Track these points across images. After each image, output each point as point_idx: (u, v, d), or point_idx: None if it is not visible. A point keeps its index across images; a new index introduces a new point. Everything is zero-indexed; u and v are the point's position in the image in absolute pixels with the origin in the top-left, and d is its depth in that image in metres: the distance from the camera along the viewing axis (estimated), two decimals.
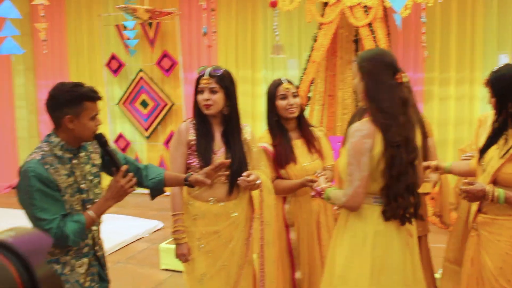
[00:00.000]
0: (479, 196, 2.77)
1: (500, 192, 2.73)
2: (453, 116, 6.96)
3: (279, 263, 3.48)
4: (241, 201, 3.22)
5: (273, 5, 4.74)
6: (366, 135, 2.50)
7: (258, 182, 3.11)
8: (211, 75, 3.12)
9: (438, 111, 7.02)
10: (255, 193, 3.27)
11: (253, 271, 3.34)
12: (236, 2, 8.07)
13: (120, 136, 8.93)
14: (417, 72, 7.08)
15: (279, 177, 3.52)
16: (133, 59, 8.73)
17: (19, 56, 9.18)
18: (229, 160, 2.99)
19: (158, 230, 6.77)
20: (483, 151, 2.94)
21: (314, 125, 3.72)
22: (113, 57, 8.76)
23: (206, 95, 3.11)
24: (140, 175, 2.82)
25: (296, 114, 3.51)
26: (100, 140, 2.61)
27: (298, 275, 3.60)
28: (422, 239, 3.68)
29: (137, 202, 8.26)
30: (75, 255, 2.59)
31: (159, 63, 8.47)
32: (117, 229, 6.41)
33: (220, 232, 3.15)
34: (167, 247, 5.31)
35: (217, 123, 3.21)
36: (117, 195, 2.54)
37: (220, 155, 3.14)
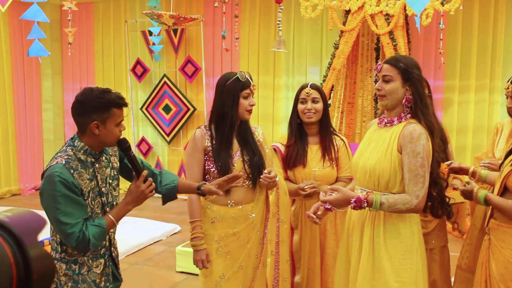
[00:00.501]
0: (470, 196, 2.91)
1: (482, 193, 2.82)
2: (472, 123, 6.95)
3: None
4: (258, 202, 3.24)
5: (278, 1, 4.79)
6: (427, 138, 2.64)
7: (277, 179, 3.17)
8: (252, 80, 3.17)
9: (458, 118, 7.02)
10: (270, 191, 3.32)
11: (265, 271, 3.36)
12: (259, 9, 8.15)
13: (143, 140, 9.04)
14: (437, 79, 7.06)
15: (287, 178, 3.55)
16: (157, 65, 8.86)
17: (47, 60, 9.42)
18: (241, 174, 3.02)
19: (175, 233, 6.83)
20: (506, 157, 2.94)
21: (338, 133, 3.69)
22: (138, 62, 8.89)
23: (252, 100, 3.15)
24: (154, 180, 2.82)
25: (313, 120, 3.49)
26: (124, 145, 2.61)
27: (297, 278, 3.59)
28: (444, 249, 3.57)
29: (156, 205, 8.28)
30: (92, 256, 2.61)
31: (182, 68, 8.57)
32: (136, 232, 6.49)
33: (238, 233, 3.17)
34: (183, 250, 5.36)
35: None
36: (137, 199, 2.57)
37: (236, 158, 3.16)
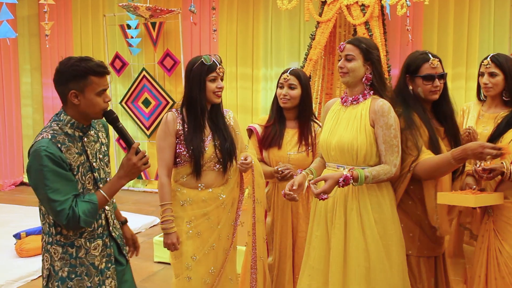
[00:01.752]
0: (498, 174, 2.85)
1: None
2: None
3: None
4: (229, 184, 3.26)
5: None
6: (393, 110, 2.84)
7: (253, 162, 3.23)
8: (220, 63, 3.18)
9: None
10: (246, 173, 3.33)
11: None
12: (237, 2, 8.15)
13: None
14: None
15: (262, 160, 3.58)
16: (136, 59, 8.84)
17: (26, 56, 9.39)
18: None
19: (154, 225, 6.83)
20: (495, 138, 3.04)
21: (317, 120, 3.71)
22: (117, 56, 8.86)
23: (220, 82, 3.16)
24: None
25: (287, 105, 3.53)
26: (110, 116, 2.51)
27: (270, 260, 3.62)
28: (440, 258, 3.16)
29: (137, 199, 8.38)
30: (89, 237, 2.54)
31: (161, 62, 8.56)
32: None
33: (208, 214, 3.18)
34: (160, 240, 5.35)
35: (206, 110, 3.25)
36: (130, 173, 2.48)
37: (208, 142, 3.17)
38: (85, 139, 2.53)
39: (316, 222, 3.01)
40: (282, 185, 3.51)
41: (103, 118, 2.54)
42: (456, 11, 6.84)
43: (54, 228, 2.50)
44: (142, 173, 8.85)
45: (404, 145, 2.85)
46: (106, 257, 2.61)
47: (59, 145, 2.39)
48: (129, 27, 8.48)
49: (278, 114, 3.61)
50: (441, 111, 3.09)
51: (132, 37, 8.49)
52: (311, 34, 6.75)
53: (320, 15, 6.60)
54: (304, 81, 3.54)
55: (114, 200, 2.75)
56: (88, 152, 2.53)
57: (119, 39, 8.94)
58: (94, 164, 2.55)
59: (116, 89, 9.13)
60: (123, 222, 2.91)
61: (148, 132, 8.85)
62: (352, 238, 2.83)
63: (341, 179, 2.68)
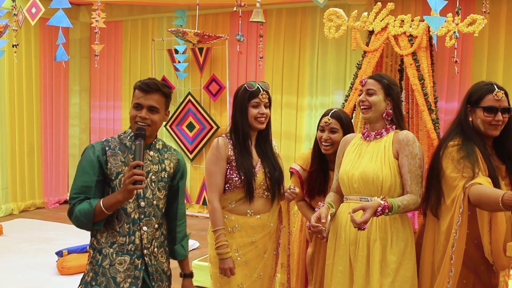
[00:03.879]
0: None
1: None
2: None
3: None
4: (274, 212, 3.26)
5: None
6: (417, 140, 2.92)
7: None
8: (265, 91, 3.18)
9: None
10: (283, 204, 3.33)
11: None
12: (284, 30, 8.21)
13: None
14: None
15: (303, 198, 3.56)
16: (183, 83, 8.97)
17: (76, 77, 9.65)
18: None
19: (194, 249, 6.83)
20: None
21: None
22: (163, 80, 8.98)
23: (263, 109, 3.15)
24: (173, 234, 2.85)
25: (329, 151, 3.42)
26: (137, 131, 2.52)
27: None
28: None
29: None
30: (118, 249, 2.56)
31: (207, 87, 8.66)
32: None
33: (256, 242, 3.17)
34: (200, 264, 5.37)
35: (253, 137, 3.25)
36: (122, 189, 2.45)
37: (258, 168, 3.17)
38: None
39: (339, 256, 2.97)
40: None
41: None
42: (506, 44, 6.73)
43: (92, 231, 2.61)
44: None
45: (460, 170, 2.67)
46: (132, 278, 2.57)
47: (106, 148, 2.54)
48: (176, 51, 8.63)
49: (320, 158, 3.51)
50: (505, 148, 2.88)
51: (179, 62, 8.64)
52: (357, 63, 6.72)
53: (367, 44, 6.57)
54: (346, 122, 3.44)
55: (155, 226, 2.66)
56: None
57: (167, 63, 9.10)
58: None
59: None
60: (186, 275, 2.92)
61: (191, 156, 8.92)
62: (374, 271, 2.81)
63: (379, 208, 2.65)
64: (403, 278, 2.81)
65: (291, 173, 3.60)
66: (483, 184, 2.58)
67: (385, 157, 2.86)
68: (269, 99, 3.20)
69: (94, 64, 7.56)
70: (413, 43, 6.23)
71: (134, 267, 2.58)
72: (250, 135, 3.19)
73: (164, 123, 8.96)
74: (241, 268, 3.14)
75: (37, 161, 9.31)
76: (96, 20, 6.45)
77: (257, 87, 3.14)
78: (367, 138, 2.98)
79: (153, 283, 2.67)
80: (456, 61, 5.99)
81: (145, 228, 2.61)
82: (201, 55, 8.59)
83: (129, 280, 2.57)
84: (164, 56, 9.14)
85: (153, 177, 2.63)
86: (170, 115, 9.00)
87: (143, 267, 2.61)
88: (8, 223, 8.02)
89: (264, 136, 3.26)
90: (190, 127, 8.86)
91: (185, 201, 8.84)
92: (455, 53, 6.05)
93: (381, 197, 2.73)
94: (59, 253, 5.75)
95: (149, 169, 2.61)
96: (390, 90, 2.94)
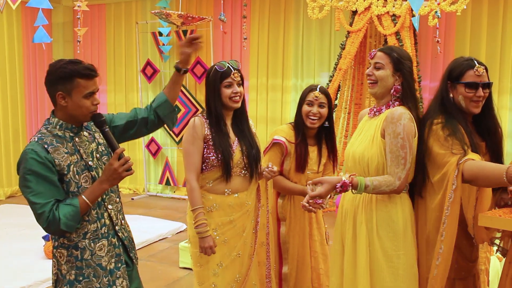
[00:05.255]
0: None
1: None
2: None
3: None
4: (252, 191, 3.27)
5: None
6: (411, 118, 2.68)
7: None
8: (237, 69, 3.16)
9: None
10: (261, 182, 3.32)
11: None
12: (269, 11, 8.19)
13: (152, 141, 9.09)
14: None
15: (281, 173, 3.52)
16: (167, 66, 8.93)
17: None
18: (201, 35, 2.93)
19: (181, 231, 6.86)
20: None
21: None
22: (148, 64, 8.96)
23: (236, 88, 3.14)
24: (146, 112, 2.79)
25: (316, 125, 3.44)
26: (96, 120, 2.51)
27: (285, 269, 3.60)
28: (476, 276, 2.98)
29: (165, 205, 8.45)
30: (93, 237, 2.53)
31: (192, 69, 8.63)
32: (142, 229, 6.53)
33: (235, 221, 3.18)
34: (187, 245, 5.38)
35: (228, 116, 3.24)
36: (110, 178, 2.44)
37: (235, 147, 3.18)
38: (77, 139, 2.52)
39: (335, 235, 2.96)
40: (298, 196, 3.51)
41: (91, 121, 2.53)
42: (489, 23, 6.76)
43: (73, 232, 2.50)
44: (170, 180, 8.92)
45: (448, 147, 2.63)
46: (115, 257, 2.60)
47: (45, 146, 2.40)
48: (160, 34, 8.58)
49: (303, 132, 3.50)
50: (484, 124, 2.85)
51: (163, 44, 8.59)
52: (341, 44, 6.75)
53: (351, 24, 6.59)
54: (330, 99, 3.49)
55: (118, 201, 2.70)
56: (82, 151, 2.51)
57: (151, 46, 9.05)
58: (90, 163, 2.53)
59: (147, 96, 9.23)
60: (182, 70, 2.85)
61: (177, 139, 8.91)
62: (360, 254, 2.74)
63: (338, 184, 2.57)
64: (396, 265, 2.70)
65: (274, 144, 3.50)
66: (476, 160, 2.57)
67: (374, 136, 2.74)
68: (241, 77, 3.19)
69: (77, 49, 7.52)
70: (396, 22, 6.26)
71: (113, 247, 2.60)
72: (223, 115, 3.18)
73: None
74: (220, 247, 3.14)
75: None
76: (78, 6, 6.39)
77: (228, 66, 3.13)
78: (369, 115, 2.90)
79: (131, 254, 2.73)
80: (438, 41, 6.02)
81: (110, 206, 2.61)
82: (185, 37, 8.53)
83: (112, 260, 2.59)
84: (148, 39, 9.08)
85: (97, 155, 2.60)
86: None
87: (120, 243, 2.65)
88: None
89: (240, 115, 3.25)
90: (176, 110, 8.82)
91: (172, 184, 8.87)
92: (437, 33, 6.08)
93: (347, 175, 2.64)
94: (46, 237, 5.74)
95: (90, 149, 2.57)
96: (399, 64, 2.75)
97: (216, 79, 3.13)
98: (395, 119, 2.64)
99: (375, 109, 2.86)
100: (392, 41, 6.25)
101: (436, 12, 5.87)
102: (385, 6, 6.34)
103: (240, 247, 3.19)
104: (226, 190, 3.16)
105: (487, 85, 2.76)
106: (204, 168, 3.17)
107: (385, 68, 2.76)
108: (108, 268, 2.57)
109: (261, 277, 3.36)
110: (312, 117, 3.41)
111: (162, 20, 8.10)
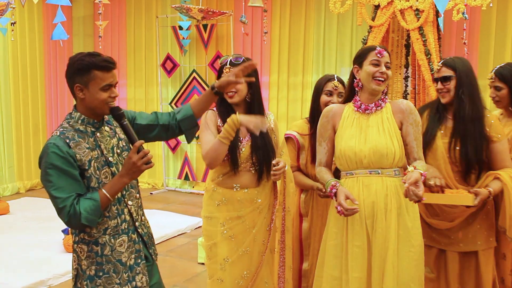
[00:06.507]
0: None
1: None
2: None
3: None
4: (265, 188, 3.23)
5: None
6: None
7: (286, 169, 3.16)
8: (233, 64, 3.13)
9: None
10: (280, 182, 3.28)
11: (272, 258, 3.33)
12: (290, 4, 8.11)
13: None
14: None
15: (298, 168, 3.51)
16: (187, 60, 8.91)
17: None
18: (256, 63, 2.83)
19: (199, 227, 6.83)
20: None
21: None
22: (168, 58, 8.95)
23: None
24: (168, 119, 2.77)
25: None
26: (115, 113, 2.49)
27: (305, 266, 3.58)
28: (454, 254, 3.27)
29: (183, 200, 8.44)
30: (113, 233, 2.53)
31: (211, 64, 8.59)
32: (160, 224, 6.53)
33: (243, 217, 3.16)
34: None
35: (241, 111, 3.18)
36: (130, 171, 2.42)
37: (245, 143, 3.15)
38: (98, 134, 2.52)
39: (355, 232, 2.89)
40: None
41: (110, 114, 2.51)
42: None
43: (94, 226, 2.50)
44: (189, 175, 8.90)
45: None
46: (135, 253, 2.59)
47: (67, 141, 2.39)
48: (181, 28, 8.55)
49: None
50: (461, 113, 3.16)
51: (183, 38, 8.56)
52: (363, 39, 6.65)
53: (373, 19, 6.48)
54: (345, 88, 3.44)
55: (138, 197, 2.69)
56: (102, 146, 2.51)
57: (171, 40, 9.04)
58: (110, 158, 2.52)
59: (167, 90, 9.23)
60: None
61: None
62: (391, 241, 2.80)
63: (422, 178, 2.72)
64: (421, 243, 2.90)
65: (286, 139, 3.49)
66: None
67: (391, 129, 2.87)
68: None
69: (98, 42, 7.51)
70: (420, 17, 6.14)
71: (133, 243, 2.59)
72: (233, 108, 3.17)
73: (169, 101, 8.96)
74: (228, 242, 3.13)
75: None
76: (100, 1, 6.37)
77: (227, 61, 3.16)
78: (367, 111, 2.92)
79: (150, 250, 2.71)
80: (464, 43, 5.93)
81: (130, 202, 2.60)
82: (205, 32, 8.51)
83: (132, 256, 2.58)
84: (168, 33, 9.07)
85: (118, 150, 2.58)
86: (175, 93, 8.96)
87: (140, 239, 2.64)
88: (15, 202, 8.08)
89: (257, 109, 3.21)
90: None
91: (191, 179, 8.86)
92: (464, 34, 5.98)
93: (411, 167, 2.77)
94: (65, 231, 5.76)
95: (111, 145, 2.56)
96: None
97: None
98: (413, 110, 2.91)
99: (371, 105, 2.93)
100: (415, 36, 6.14)
101: (463, 13, 5.77)
102: (408, 1, 6.22)
103: (249, 243, 3.17)
104: (234, 185, 3.16)
105: (443, 79, 3.22)
106: None
107: (390, 68, 2.96)
108: (128, 264, 2.56)
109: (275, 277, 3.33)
110: None
111: (182, 14, 8.06)
